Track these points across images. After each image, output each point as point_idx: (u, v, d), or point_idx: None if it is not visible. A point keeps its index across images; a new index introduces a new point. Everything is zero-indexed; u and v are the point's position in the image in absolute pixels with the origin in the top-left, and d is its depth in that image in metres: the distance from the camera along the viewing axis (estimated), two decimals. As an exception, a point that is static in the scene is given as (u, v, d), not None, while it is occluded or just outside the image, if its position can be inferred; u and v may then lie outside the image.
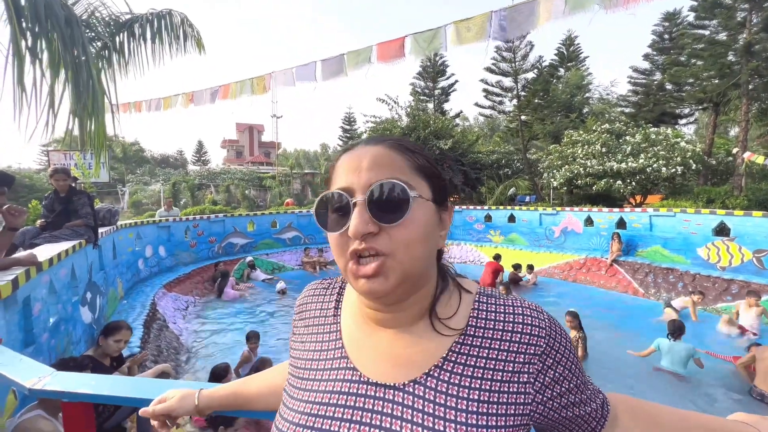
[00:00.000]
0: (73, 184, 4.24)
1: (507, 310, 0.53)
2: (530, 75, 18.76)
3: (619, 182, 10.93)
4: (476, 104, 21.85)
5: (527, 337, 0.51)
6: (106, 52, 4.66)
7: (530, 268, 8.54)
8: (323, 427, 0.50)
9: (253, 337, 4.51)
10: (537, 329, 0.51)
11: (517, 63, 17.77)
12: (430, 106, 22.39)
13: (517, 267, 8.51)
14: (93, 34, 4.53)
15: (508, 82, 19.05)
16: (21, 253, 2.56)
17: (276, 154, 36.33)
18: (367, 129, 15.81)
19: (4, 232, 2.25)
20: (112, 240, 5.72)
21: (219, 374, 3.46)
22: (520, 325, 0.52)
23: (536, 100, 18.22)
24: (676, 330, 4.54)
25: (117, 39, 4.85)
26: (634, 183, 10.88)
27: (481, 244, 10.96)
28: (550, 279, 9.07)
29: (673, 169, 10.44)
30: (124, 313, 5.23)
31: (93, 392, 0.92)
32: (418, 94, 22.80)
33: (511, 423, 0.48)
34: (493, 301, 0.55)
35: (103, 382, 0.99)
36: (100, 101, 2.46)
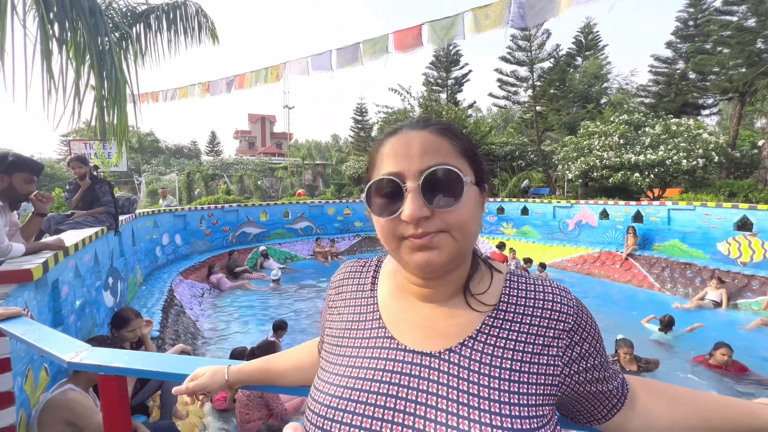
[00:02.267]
0: (95, 173, 4.36)
1: (537, 289, 0.56)
2: (546, 64, 18.28)
3: (636, 175, 10.67)
4: (490, 94, 21.46)
5: (557, 314, 0.54)
6: (124, 43, 4.73)
7: (542, 266, 8.47)
8: (367, 388, 0.53)
9: (279, 328, 4.49)
10: (566, 307, 0.55)
11: (533, 52, 17.34)
12: (443, 96, 22.10)
13: (528, 261, 8.44)
14: (111, 24, 4.60)
15: (523, 71, 18.62)
16: (49, 238, 2.66)
17: (288, 144, 36.52)
18: (378, 120, 15.73)
19: (33, 217, 2.35)
20: (131, 228, 5.88)
21: (237, 357, 3.56)
22: (550, 303, 0.55)
23: (552, 90, 17.79)
24: (668, 324, 4.98)
25: (134, 29, 4.92)
26: (652, 176, 10.60)
27: (494, 236, 10.89)
28: (564, 272, 8.98)
29: (694, 162, 10.13)
30: (143, 298, 5.40)
31: (127, 366, 0.97)
32: (430, 84, 22.51)
33: (541, 391, 0.51)
34: (523, 281, 0.58)
35: (136, 357, 1.04)
36: (122, 90, 2.52)
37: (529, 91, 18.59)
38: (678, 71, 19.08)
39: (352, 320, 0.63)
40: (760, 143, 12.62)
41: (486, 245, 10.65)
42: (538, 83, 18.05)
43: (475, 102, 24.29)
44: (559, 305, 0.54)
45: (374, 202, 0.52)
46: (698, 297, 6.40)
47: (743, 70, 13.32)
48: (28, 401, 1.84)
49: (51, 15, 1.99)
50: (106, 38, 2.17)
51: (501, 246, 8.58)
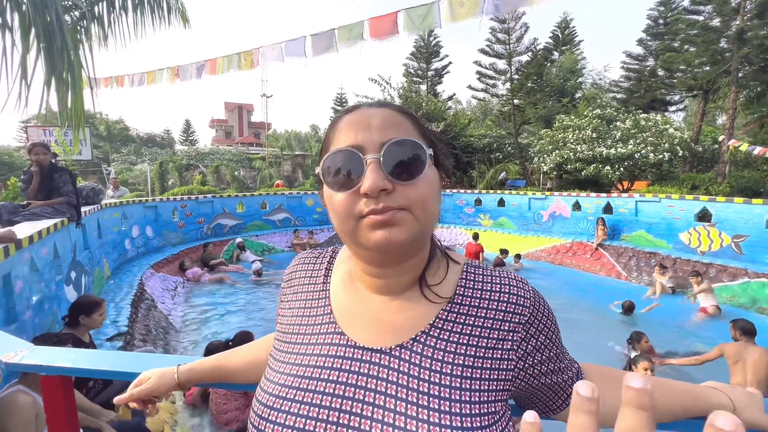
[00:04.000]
0: (53, 161, 4.11)
1: (494, 281, 0.55)
2: (524, 58, 18.57)
3: (607, 168, 11.06)
4: (469, 87, 21.62)
5: (513, 306, 0.53)
6: (84, 22, 4.44)
7: (517, 257, 8.68)
8: (309, 387, 0.50)
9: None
10: (522, 299, 0.53)
11: (511, 45, 17.54)
12: (423, 87, 22.08)
13: (504, 252, 8.64)
14: (70, 2, 4.30)
15: (502, 64, 18.85)
16: (-1, 231, 2.49)
17: (266, 134, 35.65)
18: (358, 110, 15.53)
19: (-21, 208, 2.18)
20: (96, 219, 5.60)
21: (213, 352, 3.45)
22: (506, 295, 0.53)
23: (529, 84, 18.11)
24: (629, 308, 5.63)
25: (96, 8, 4.62)
26: (622, 169, 11.02)
27: (471, 227, 11.06)
28: (538, 262, 9.25)
29: (661, 156, 10.59)
30: (111, 292, 5.18)
31: (72, 366, 0.92)
32: (410, 75, 22.43)
33: (494, 387, 0.50)
34: (480, 272, 0.56)
35: (82, 355, 0.98)
36: (77, 73, 2.34)
37: (507, 84, 18.85)
38: (648, 68, 19.79)
39: (302, 314, 0.61)
40: (720, 139, 13.31)
41: (464, 237, 10.81)
42: (516, 76, 18.32)
43: (454, 94, 24.46)
44: (515, 297, 0.53)
45: (330, 179, 0.49)
46: (654, 290, 6.68)
47: (707, 68, 13.95)
48: (-24, 403, 1.73)
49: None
50: (55, 14, 2.00)
51: (476, 236, 8.76)
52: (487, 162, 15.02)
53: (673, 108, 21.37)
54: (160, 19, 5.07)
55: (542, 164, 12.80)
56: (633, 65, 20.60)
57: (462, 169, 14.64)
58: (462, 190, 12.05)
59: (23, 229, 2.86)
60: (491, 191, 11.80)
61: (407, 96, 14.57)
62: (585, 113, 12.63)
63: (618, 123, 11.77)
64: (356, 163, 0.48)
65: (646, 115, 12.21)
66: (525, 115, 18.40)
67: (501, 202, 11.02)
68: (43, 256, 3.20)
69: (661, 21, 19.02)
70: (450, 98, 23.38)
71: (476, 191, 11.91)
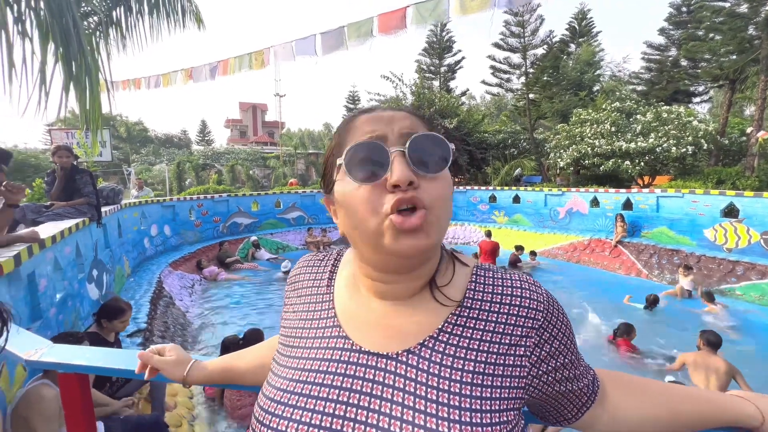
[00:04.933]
0: (75, 163, 4.24)
1: (505, 284, 0.53)
2: (540, 51, 18.14)
3: (627, 163, 10.72)
4: (483, 82, 21.29)
5: (525, 310, 0.50)
6: (102, 27, 4.55)
7: (533, 254, 8.53)
8: (312, 393, 0.49)
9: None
10: (535, 303, 0.51)
11: (526, 38, 17.16)
12: (436, 83, 21.88)
13: (519, 249, 8.49)
14: (89, 8, 4.42)
15: (516, 58, 18.47)
16: (23, 231, 2.58)
17: (279, 133, 36.04)
18: (371, 108, 15.50)
19: (3, 208, 2.26)
20: (116, 219, 5.77)
21: (228, 346, 3.51)
22: (519, 299, 0.51)
23: (545, 78, 17.69)
24: (653, 302, 5.65)
25: (114, 13, 4.73)
26: (642, 163, 10.66)
27: (485, 225, 10.93)
28: (554, 260, 9.07)
29: (684, 149, 10.19)
30: (131, 290, 5.33)
31: (87, 364, 0.93)
32: (423, 71, 22.24)
33: (506, 395, 0.47)
34: (491, 275, 0.54)
35: (97, 354, 1.00)
36: (94, 76, 2.40)
37: (522, 79, 18.47)
38: (670, 58, 19.07)
39: (306, 318, 0.59)
40: (748, 130, 12.72)
41: (478, 234, 10.69)
42: (531, 70, 17.92)
43: (468, 90, 24.12)
44: (528, 301, 0.51)
45: (353, 172, 0.47)
46: (675, 292, 6.44)
47: (734, 57, 13.33)
48: (4, 397, 1.81)
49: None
50: (72, 20, 2.05)
51: (489, 234, 8.65)
52: (502, 158, 14.78)
53: (698, 99, 20.56)
54: (175, 21, 5.17)
55: (559, 159, 12.51)
56: (654, 56, 19.89)
57: (476, 166, 14.44)
58: (476, 187, 11.90)
59: (47, 229, 2.96)
60: (506, 188, 11.62)
61: (420, 92, 14.44)
62: (603, 106, 12.26)
63: (638, 116, 11.38)
64: (381, 155, 0.46)
65: (668, 107, 11.76)
66: (540, 109, 18.00)
67: (516, 199, 10.84)
68: (66, 255, 3.31)
69: (684, 9, 18.27)
70: (463, 94, 23.09)
71: (491, 188, 11.75)
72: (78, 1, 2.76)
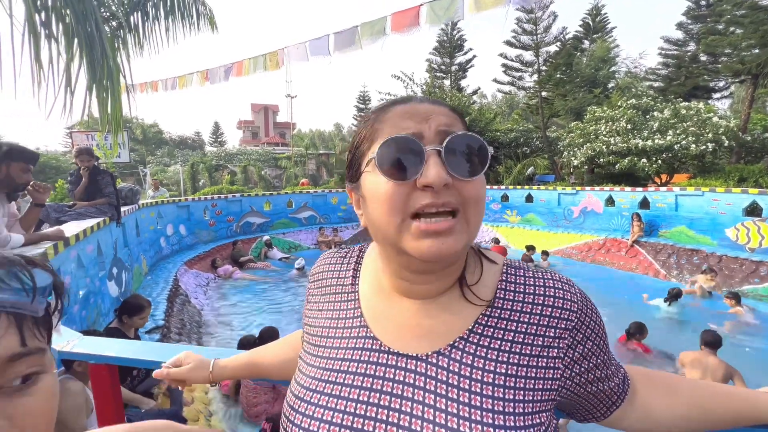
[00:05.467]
0: (96, 164, 4.36)
1: (537, 283, 0.51)
2: (552, 48, 17.86)
3: (643, 160, 10.47)
4: (495, 80, 21.09)
5: (559, 311, 0.49)
6: (121, 31, 4.67)
7: (545, 254, 8.42)
8: (339, 393, 0.49)
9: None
10: (569, 303, 0.50)
11: (538, 35, 16.93)
12: (447, 82, 21.77)
13: (530, 248, 8.38)
14: (108, 13, 4.54)
15: (528, 56, 18.24)
16: (49, 229, 2.67)
17: (291, 134, 36.35)
18: (381, 107, 15.53)
19: (31, 208, 2.35)
20: (135, 218, 5.91)
21: (245, 346, 3.59)
22: (552, 299, 0.50)
23: (558, 75, 17.42)
24: (675, 296, 5.57)
25: (131, 18, 4.85)
26: (660, 161, 10.41)
27: (498, 224, 10.83)
28: (568, 259, 8.94)
29: (704, 146, 9.90)
30: (148, 288, 5.46)
31: (116, 355, 0.96)
32: (434, 70, 22.16)
33: (539, 398, 0.47)
34: (522, 273, 0.53)
35: (125, 346, 1.03)
36: (115, 79, 2.48)
37: (535, 76, 18.23)
38: (689, 53, 18.56)
39: (331, 317, 0.59)
40: (772, 127, 12.29)
41: (491, 234, 10.60)
42: (544, 68, 17.68)
43: (479, 88, 23.91)
44: (561, 300, 0.49)
45: (385, 167, 0.44)
46: (693, 289, 6.31)
47: (756, 51, 12.90)
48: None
49: (38, 2, 1.95)
50: (95, 24, 2.12)
51: (496, 241, 8.59)
52: (514, 157, 14.62)
53: (718, 95, 19.93)
54: (190, 25, 5.27)
55: (572, 158, 12.31)
56: (672, 51, 19.39)
57: (489, 165, 14.34)
58: (488, 186, 11.77)
59: (70, 228, 3.06)
60: (518, 187, 11.49)
61: (431, 92, 14.41)
62: (619, 104, 12.02)
63: (655, 113, 11.11)
64: (416, 152, 0.44)
65: (686, 103, 11.45)
66: (553, 107, 17.74)
67: (529, 198, 10.71)
68: (88, 253, 3.41)
69: (702, 2, 17.78)
70: (475, 92, 22.90)
71: (503, 187, 11.64)
72: (99, 6, 2.84)
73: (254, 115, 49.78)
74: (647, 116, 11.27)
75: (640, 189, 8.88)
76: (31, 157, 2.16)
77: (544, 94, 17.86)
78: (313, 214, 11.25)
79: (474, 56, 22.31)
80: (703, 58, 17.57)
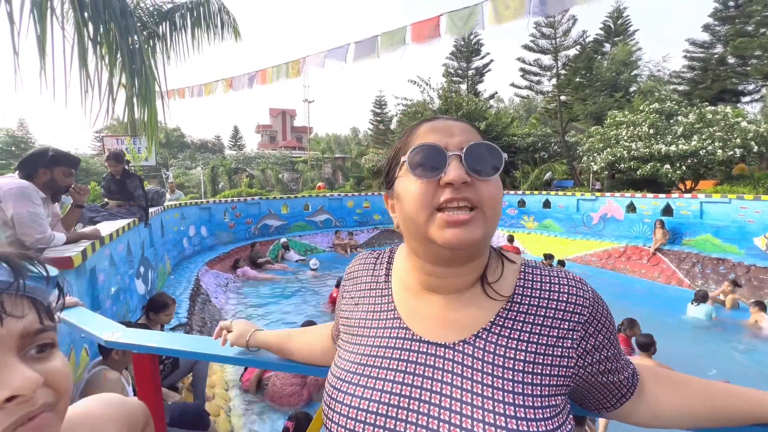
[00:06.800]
0: (126, 167, 4.58)
1: (553, 281, 0.57)
2: (572, 52, 17.64)
3: (667, 166, 10.20)
4: (512, 84, 20.94)
5: (572, 306, 0.55)
6: (152, 41, 4.91)
7: (561, 264, 8.27)
8: (377, 375, 0.56)
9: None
10: (581, 299, 0.55)
11: (557, 39, 16.76)
12: (463, 87, 21.73)
13: (549, 257, 8.25)
14: (139, 24, 4.79)
15: (547, 60, 18.05)
16: (86, 229, 2.84)
17: (308, 138, 36.89)
18: (398, 112, 15.64)
19: (72, 209, 2.51)
20: (160, 220, 6.14)
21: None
22: (566, 295, 0.55)
23: (578, 79, 17.18)
24: (703, 297, 5.54)
25: (160, 28, 5.09)
26: (684, 167, 10.11)
27: (514, 229, 10.71)
28: (587, 266, 8.76)
29: (731, 152, 9.58)
30: (171, 287, 5.65)
31: (159, 345, 1.05)
32: (450, 75, 22.16)
33: (555, 382, 0.52)
34: (538, 272, 0.59)
35: (167, 337, 1.11)
36: (152, 87, 2.64)
37: (553, 80, 18.02)
38: (715, 56, 17.99)
39: (367, 310, 0.66)
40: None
41: (504, 239, 10.50)
42: (563, 72, 17.46)
43: (496, 92, 23.77)
44: (574, 297, 0.55)
45: (414, 169, 0.53)
46: (722, 298, 6.10)
47: (789, 52, 12.42)
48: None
49: (86, 15, 2.11)
50: (136, 37, 2.28)
51: (510, 239, 8.48)
52: (532, 162, 14.46)
53: (747, 98, 19.20)
54: (214, 34, 5.49)
55: (592, 163, 12.08)
56: (698, 53, 18.83)
57: (504, 170, 14.20)
58: (504, 191, 11.67)
59: (104, 228, 3.23)
60: (535, 192, 11.35)
61: (447, 96, 14.41)
62: (641, 108, 11.75)
63: (680, 117, 10.82)
64: (440, 156, 0.52)
65: (713, 107, 11.10)
66: (572, 111, 17.48)
67: (546, 204, 10.56)
68: (120, 252, 3.58)
69: (731, 3, 17.23)
70: (491, 97, 22.79)
71: (519, 192, 11.52)
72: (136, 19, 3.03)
73: (272, 119, 50.76)
74: (671, 121, 10.99)
75: (663, 195, 8.64)
76: (73, 162, 2.32)
77: (562, 98, 17.63)
78: (329, 217, 11.40)
79: (491, 60, 22.23)
80: (731, 60, 17.00)
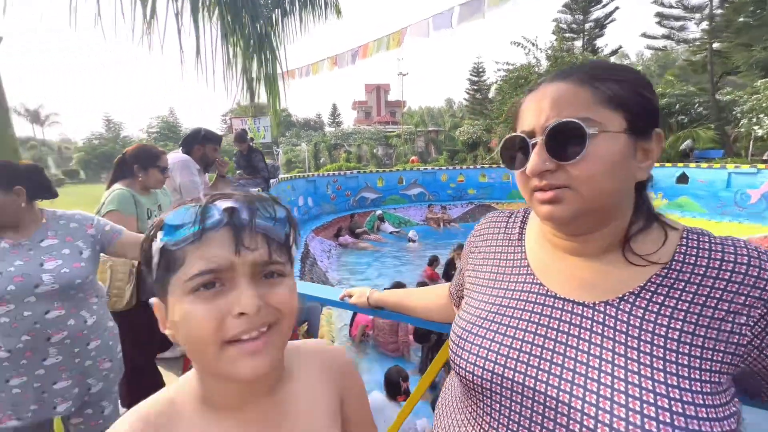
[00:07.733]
0: (251, 144, 5.28)
1: (726, 249, 0.50)
2: (735, -17, 13.74)
3: None
4: (644, 35, 17.47)
5: (752, 279, 0.47)
6: (270, 27, 5.41)
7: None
8: (508, 323, 0.57)
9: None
10: (764, 272, 0.47)
11: (714, -31, 13.22)
12: (578, 44, 18.95)
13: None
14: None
15: (696, -2, 14.46)
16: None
17: (401, 112, 37.03)
18: (498, 79, 14.52)
19: (218, 178, 3.02)
20: (275, 191, 7.00)
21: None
22: (744, 266, 0.48)
23: (741, 19, 13.41)
24: None
25: (273, 15, 5.56)
26: None
27: (635, 208, 9.26)
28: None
29: None
30: (287, 249, 6.50)
31: (303, 292, 1.22)
32: (563, 31, 19.50)
33: (719, 359, 0.47)
34: (706, 240, 0.52)
35: (308, 286, 1.29)
36: (275, 70, 2.95)
37: (704, 24, 14.42)
38: None
39: (499, 265, 0.66)
40: None
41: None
42: (720, 11, 13.80)
43: (620, 47, 20.19)
44: (756, 269, 0.47)
45: (507, 158, 0.57)
46: None
47: None
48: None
49: (225, 12, 2.44)
50: (263, 22, 2.54)
51: None
52: (666, 127, 12.07)
53: None
54: (319, 15, 5.77)
55: (755, 128, 9.53)
56: None
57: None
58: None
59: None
60: (667, 164, 9.53)
61: (557, 56, 12.77)
62: None
63: None
64: (525, 146, 0.53)
65: None
66: (730, 62, 13.85)
67: (682, 178, 8.82)
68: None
69: None
70: (614, 52, 19.45)
71: (645, 165, 9.82)
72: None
73: (367, 95, 52.11)
74: None
75: None
76: (218, 139, 2.76)
77: (716, 45, 14.06)
78: (423, 191, 11.46)
79: (616, 8, 18.80)
80: None
